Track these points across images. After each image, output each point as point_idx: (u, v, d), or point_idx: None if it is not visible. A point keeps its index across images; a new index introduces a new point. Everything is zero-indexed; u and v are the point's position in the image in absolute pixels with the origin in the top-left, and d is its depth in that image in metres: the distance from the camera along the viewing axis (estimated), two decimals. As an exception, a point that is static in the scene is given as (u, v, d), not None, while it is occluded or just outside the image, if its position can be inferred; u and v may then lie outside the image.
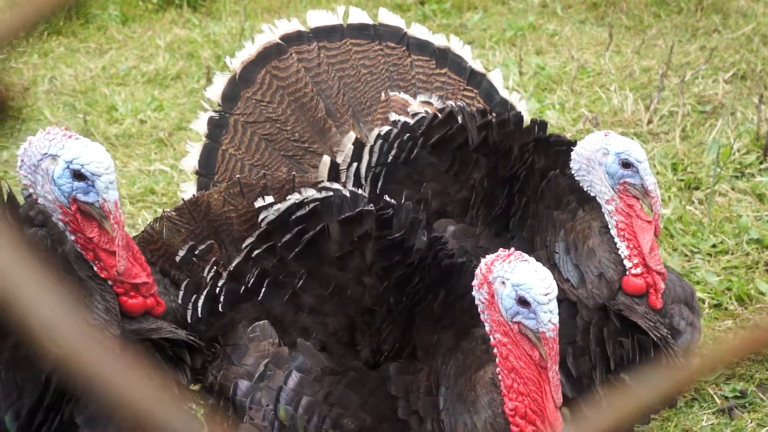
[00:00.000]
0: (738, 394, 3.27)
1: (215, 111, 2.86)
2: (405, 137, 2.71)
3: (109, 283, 2.06)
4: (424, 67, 3.02)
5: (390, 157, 2.72)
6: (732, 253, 3.96)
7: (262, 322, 2.22)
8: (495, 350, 2.02)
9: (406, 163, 2.70)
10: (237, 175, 2.81)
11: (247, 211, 2.29)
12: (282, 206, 2.23)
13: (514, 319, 1.96)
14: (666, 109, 5.01)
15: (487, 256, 2.11)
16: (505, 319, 1.97)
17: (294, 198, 2.24)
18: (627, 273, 2.43)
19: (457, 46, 3.09)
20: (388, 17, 3.06)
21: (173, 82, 5.34)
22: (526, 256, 2.06)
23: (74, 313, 1.82)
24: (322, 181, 2.39)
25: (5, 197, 2.08)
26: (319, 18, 2.98)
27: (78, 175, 1.95)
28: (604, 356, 2.31)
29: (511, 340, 1.98)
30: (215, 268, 2.28)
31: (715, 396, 3.25)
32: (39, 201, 2.02)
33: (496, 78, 3.07)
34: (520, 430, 2.00)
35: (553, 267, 2.49)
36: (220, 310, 2.25)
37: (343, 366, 2.16)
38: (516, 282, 1.94)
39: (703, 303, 3.62)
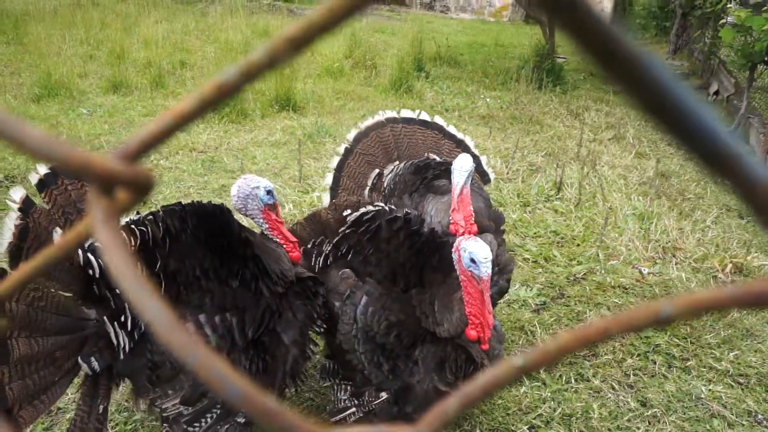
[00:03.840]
0: (541, 303, 3.31)
1: (349, 145, 2.90)
2: (410, 163, 2.77)
3: (284, 246, 2.06)
4: (449, 146, 3.02)
5: (401, 170, 2.77)
6: (542, 237, 4.02)
7: (347, 269, 2.20)
8: (461, 284, 1.98)
9: (404, 171, 2.75)
10: (350, 176, 2.88)
11: (339, 218, 2.28)
12: (357, 213, 2.23)
13: (469, 269, 1.92)
14: (515, 167, 5.13)
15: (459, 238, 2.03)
16: (465, 269, 1.93)
17: (362, 210, 2.24)
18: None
19: (467, 138, 3.08)
20: (438, 119, 3.08)
21: (283, 146, 5.45)
22: (477, 238, 1.96)
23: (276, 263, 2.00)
24: (375, 203, 2.34)
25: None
26: (405, 113, 3.04)
27: (269, 192, 1.99)
28: None
29: (468, 279, 1.94)
30: (326, 242, 2.28)
31: (532, 304, 3.31)
32: (248, 214, 2.01)
33: (483, 160, 3.05)
34: (472, 323, 1.99)
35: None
36: (327, 264, 2.24)
37: (390, 291, 2.13)
38: (470, 251, 1.90)
39: (528, 261, 3.72)
